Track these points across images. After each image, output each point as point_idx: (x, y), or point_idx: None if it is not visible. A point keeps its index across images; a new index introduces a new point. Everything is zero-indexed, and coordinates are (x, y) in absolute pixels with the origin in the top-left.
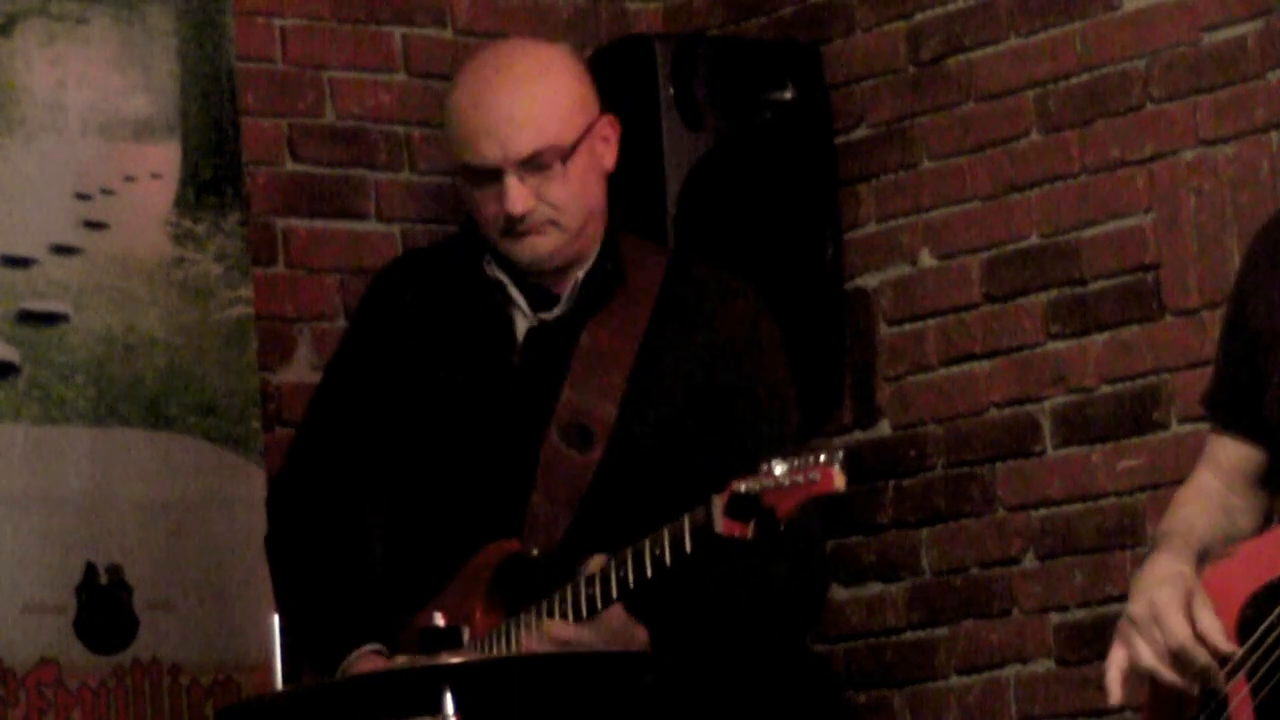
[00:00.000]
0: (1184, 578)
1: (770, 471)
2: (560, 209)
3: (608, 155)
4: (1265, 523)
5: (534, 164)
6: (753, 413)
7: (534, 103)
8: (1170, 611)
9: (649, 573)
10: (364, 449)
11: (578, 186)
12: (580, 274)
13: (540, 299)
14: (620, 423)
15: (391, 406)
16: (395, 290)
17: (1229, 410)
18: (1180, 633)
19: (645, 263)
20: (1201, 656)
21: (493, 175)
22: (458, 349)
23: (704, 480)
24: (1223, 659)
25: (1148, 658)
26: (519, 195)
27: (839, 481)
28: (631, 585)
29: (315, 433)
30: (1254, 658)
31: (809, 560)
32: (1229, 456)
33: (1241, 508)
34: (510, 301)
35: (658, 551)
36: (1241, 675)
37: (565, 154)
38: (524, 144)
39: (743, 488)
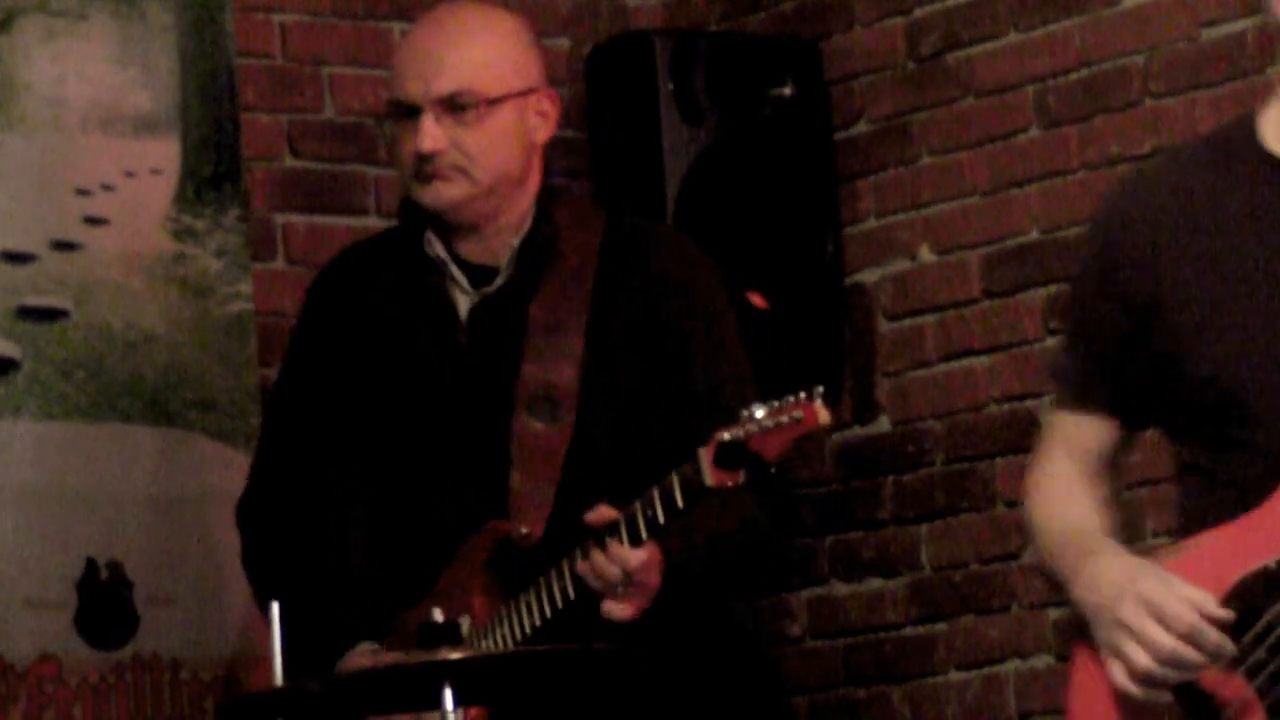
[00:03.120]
0: (1144, 567)
1: (752, 417)
2: (471, 159)
3: (541, 129)
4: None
5: (452, 104)
6: (707, 347)
7: (464, 47)
8: (1168, 602)
9: (644, 535)
10: (326, 451)
11: (495, 142)
12: (515, 242)
13: (479, 275)
14: (584, 388)
15: (347, 405)
16: (334, 287)
17: (1090, 385)
18: (1187, 616)
19: (582, 224)
20: (1212, 634)
21: (413, 112)
22: (403, 335)
23: (676, 436)
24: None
25: (1144, 662)
26: (431, 133)
27: (823, 416)
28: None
29: (274, 441)
30: (1256, 655)
31: (782, 499)
32: (1085, 434)
33: (1106, 497)
34: (450, 280)
35: (650, 513)
36: (1240, 675)
37: (486, 101)
38: (445, 82)
39: (728, 436)
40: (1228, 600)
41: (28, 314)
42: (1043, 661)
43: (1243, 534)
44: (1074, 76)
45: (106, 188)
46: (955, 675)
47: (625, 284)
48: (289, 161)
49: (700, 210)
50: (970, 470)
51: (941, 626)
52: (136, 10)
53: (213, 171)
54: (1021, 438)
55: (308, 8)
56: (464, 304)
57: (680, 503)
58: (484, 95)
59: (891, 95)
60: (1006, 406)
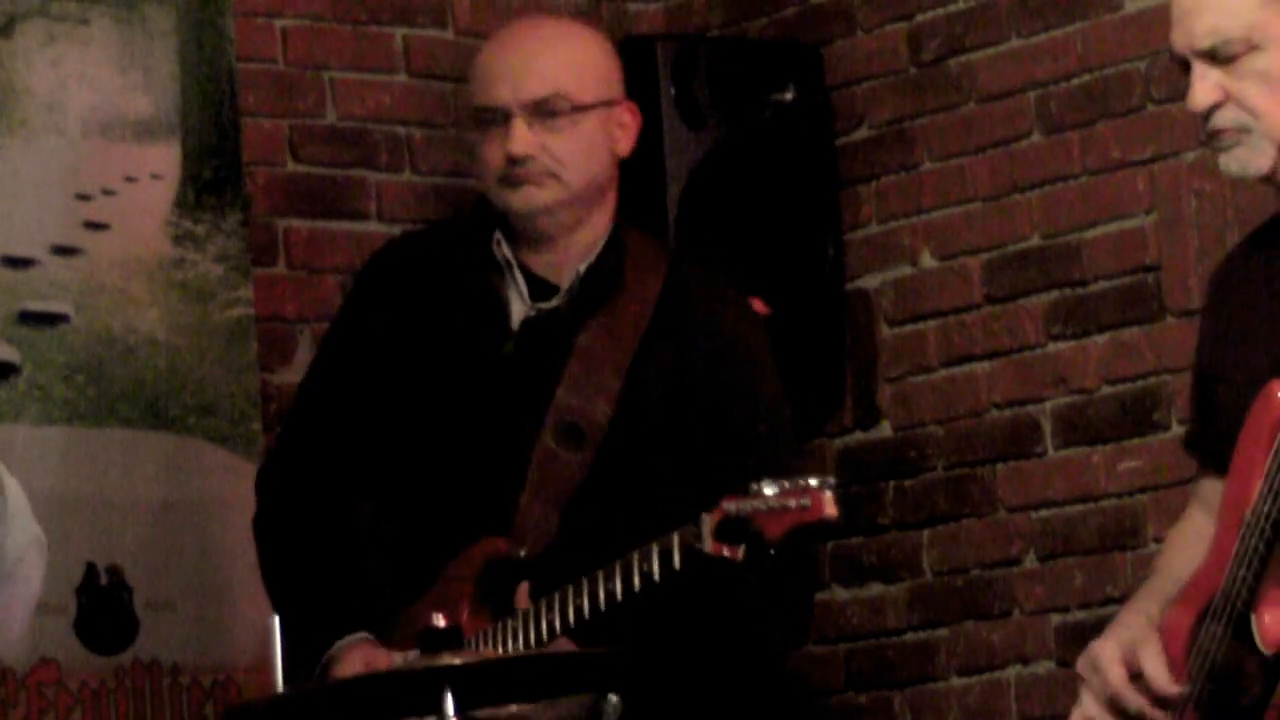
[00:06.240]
0: (1129, 626)
1: (761, 493)
2: (562, 164)
3: (623, 140)
4: None
5: (543, 109)
6: (747, 425)
7: (554, 53)
8: (1106, 662)
9: (637, 586)
10: (354, 434)
11: (584, 147)
12: (582, 268)
13: (539, 288)
14: (613, 425)
15: (382, 391)
16: (389, 271)
17: (1204, 449)
18: (1114, 682)
19: (647, 264)
20: (1133, 702)
21: (501, 117)
22: (451, 334)
23: (693, 489)
24: (1174, 699)
25: (1093, 708)
26: (522, 136)
27: (829, 510)
28: (619, 597)
29: (306, 414)
30: (1195, 688)
31: (797, 585)
32: (1214, 493)
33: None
34: (510, 286)
35: (646, 567)
36: (1190, 708)
37: (577, 107)
38: (536, 86)
39: (733, 508)
40: (1188, 639)
41: (28, 319)
42: (1044, 667)
43: (1201, 574)
44: (1075, 82)
45: (107, 192)
46: (956, 681)
47: (677, 336)
48: (290, 166)
49: (701, 215)
50: (971, 475)
51: (943, 632)
52: (137, 15)
53: (213, 176)
54: (1022, 443)
55: (309, 12)
56: (518, 313)
57: (677, 563)
58: (575, 101)
59: (893, 100)
60: (1008, 411)
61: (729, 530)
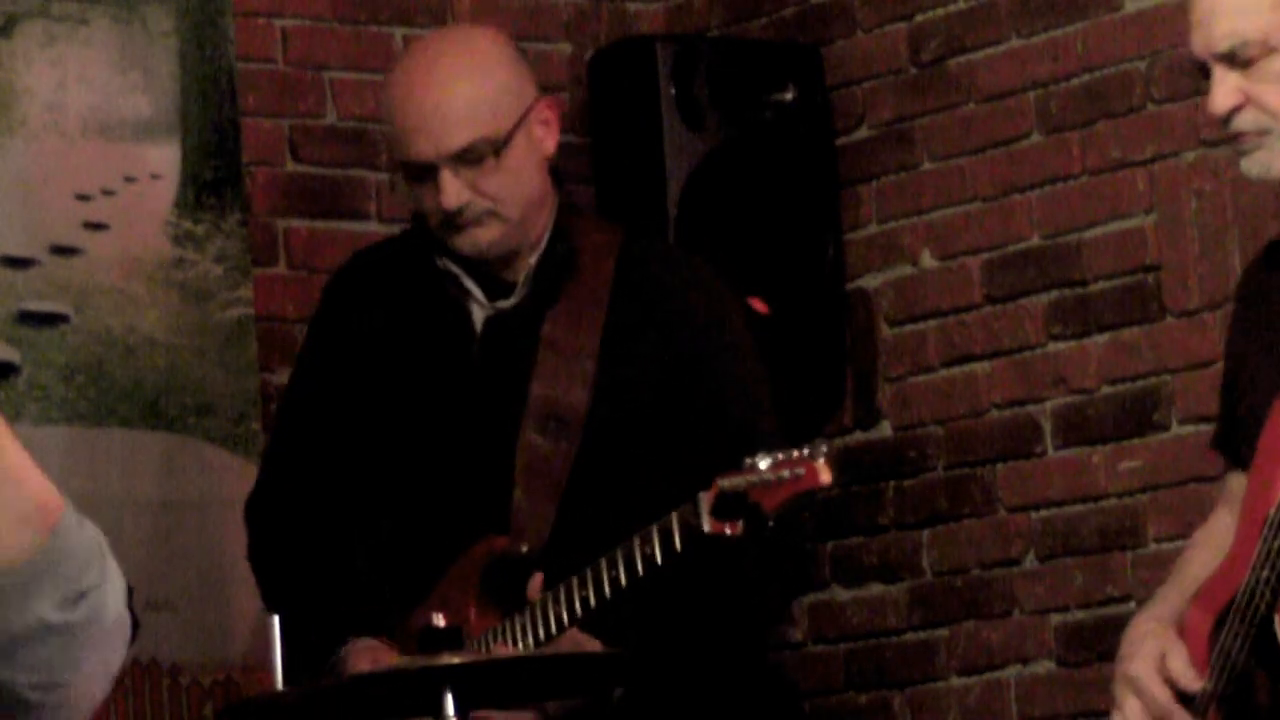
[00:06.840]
0: (1151, 635)
1: (755, 467)
2: (497, 200)
3: (548, 139)
4: None
5: (467, 158)
6: (726, 387)
7: (464, 95)
8: (1148, 682)
9: (640, 571)
10: (337, 454)
11: (514, 176)
12: (532, 260)
13: (495, 287)
14: (594, 410)
15: (358, 410)
16: (349, 292)
17: (1232, 447)
18: (1160, 698)
19: (598, 244)
20: (1181, 715)
21: (427, 171)
22: (417, 344)
23: (686, 466)
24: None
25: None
26: (453, 190)
27: (824, 476)
28: (623, 584)
29: (286, 442)
30: (1217, 688)
31: (792, 556)
32: (1242, 489)
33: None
34: (465, 292)
35: (647, 550)
36: (1213, 710)
37: (499, 145)
38: (456, 138)
39: (727, 484)
40: (1210, 637)
41: (28, 319)
42: (1044, 667)
43: (1223, 572)
44: (1076, 82)
45: (107, 193)
46: (956, 681)
47: (642, 309)
48: (290, 166)
49: (702, 215)
50: (972, 475)
51: (943, 632)
52: (137, 15)
53: (213, 176)
54: (1023, 443)
55: (309, 12)
56: (479, 315)
57: (678, 545)
58: (495, 140)
59: (893, 100)
60: (1008, 412)
61: (726, 506)
